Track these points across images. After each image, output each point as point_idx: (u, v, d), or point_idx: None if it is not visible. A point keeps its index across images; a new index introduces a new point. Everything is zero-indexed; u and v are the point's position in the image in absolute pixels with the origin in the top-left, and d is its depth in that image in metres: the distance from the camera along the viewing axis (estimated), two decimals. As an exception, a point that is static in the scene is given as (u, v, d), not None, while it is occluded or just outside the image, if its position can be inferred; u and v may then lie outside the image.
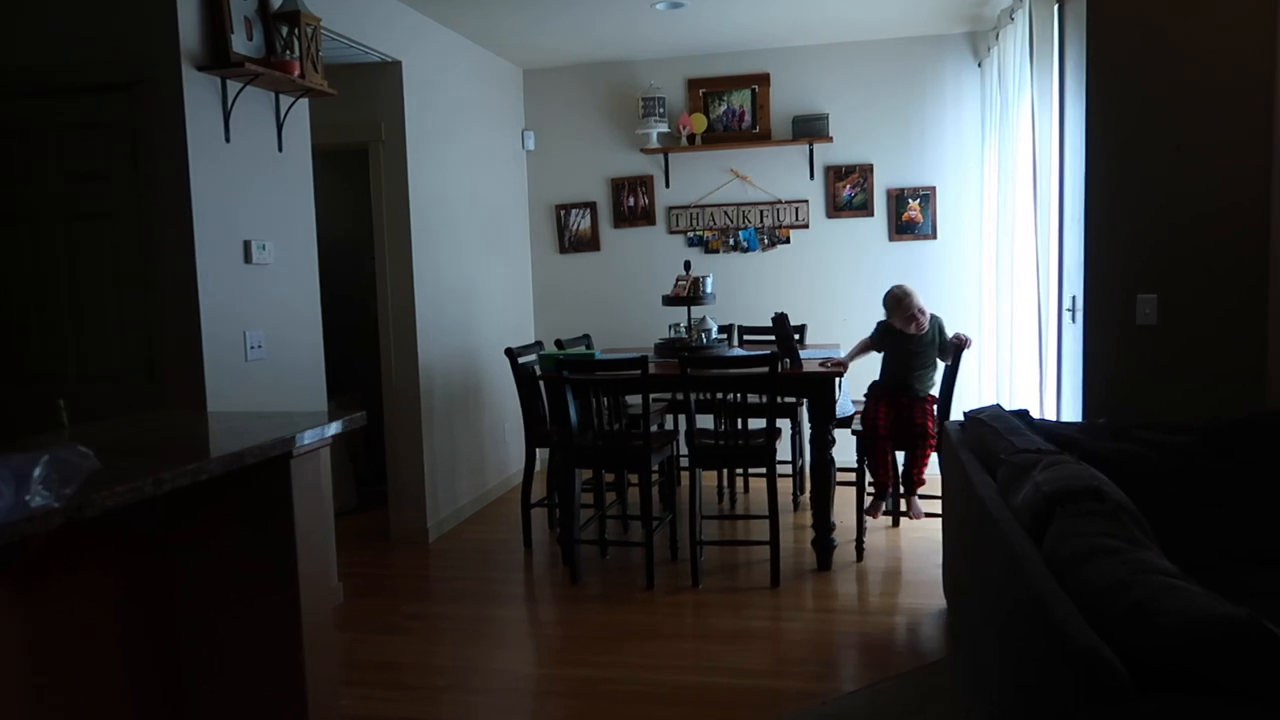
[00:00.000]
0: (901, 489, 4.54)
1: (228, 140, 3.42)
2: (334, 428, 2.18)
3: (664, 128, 6.09)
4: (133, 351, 3.35)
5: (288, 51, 3.56)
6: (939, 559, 4.40)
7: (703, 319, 4.89)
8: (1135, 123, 3.59)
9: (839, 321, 5.98)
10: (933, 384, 4.49)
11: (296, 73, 3.52)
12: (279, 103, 3.70)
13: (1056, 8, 4.02)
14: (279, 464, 2.00)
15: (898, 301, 4.44)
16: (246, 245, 3.52)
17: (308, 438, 2.02)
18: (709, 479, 5.80)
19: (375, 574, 4.52)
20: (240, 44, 3.39)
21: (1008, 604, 2.21)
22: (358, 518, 5.50)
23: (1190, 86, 3.54)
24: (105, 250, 3.34)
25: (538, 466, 5.64)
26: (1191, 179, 3.57)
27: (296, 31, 3.56)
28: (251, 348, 3.53)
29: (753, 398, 4.58)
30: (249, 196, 3.55)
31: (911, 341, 4.43)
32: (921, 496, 4.49)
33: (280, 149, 3.72)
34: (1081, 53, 3.67)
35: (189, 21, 3.24)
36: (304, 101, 3.85)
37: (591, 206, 6.41)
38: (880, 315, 4.60)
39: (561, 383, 4.17)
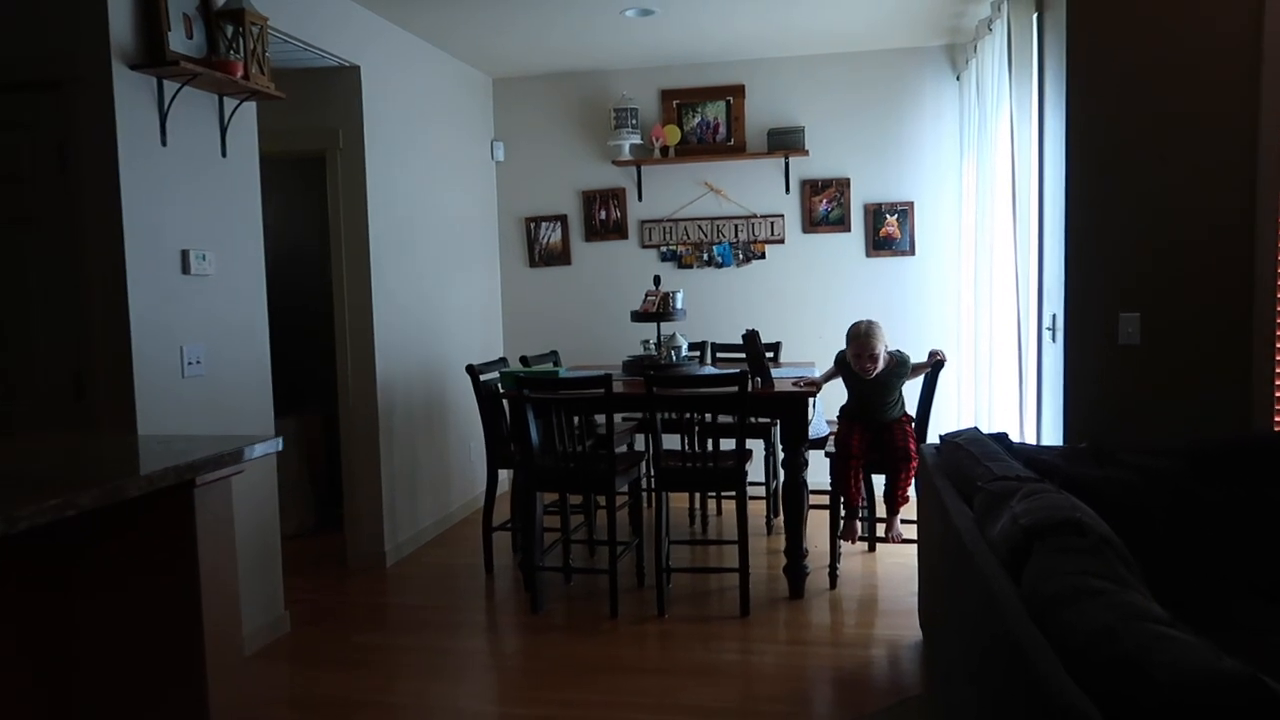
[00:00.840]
0: (883, 509, 4.36)
1: (164, 143, 3.23)
2: (258, 451, 1.99)
3: (637, 139, 5.93)
4: (58, 367, 3.14)
5: (232, 51, 3.38)
6: (915, 587, 4.23)
7: (672, 335, 4.72)
8: (1117, 135, 3.46)
9: (815, 339, 5.82)
10: (900, 409, 4.31)
11: (240, 74, 3.34)
12: (223, 106, 3.52)
13: (1035, 18, 3.90)
14: (181, 493, 1.81)
15: (855, 337, 4.16)
16: (184, 255, 3.32)
17: (210, 466, 1.83)
18: (680, 501, 5.61)
19: (327, 601, 4.30)
20: (178, 42, 3.21)
21: (984, 646, 2.04)
22: (314, 540, 5.28)
23: (1173, 99, 3.41)
24: (29, 258, 3.13)
25: (501, 488, 5.45)
26: (1175, 194, 3.44)
27: (241, 31, 3.38)
28: (189, 363, 3.33)
29: (724, 417, 4.41)
30: (188, 203, 3.35)
31: (867, 385, 4.24)
32: (903, 521, 4.31)
33: (224, 154, 3.54)
34: (1061, 64, 3.54)
35: (121, 17, 3.05)
36: (251, 105, 3.67)
37: (562, 219, 6.25)
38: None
39: (523, 401, 3.99)
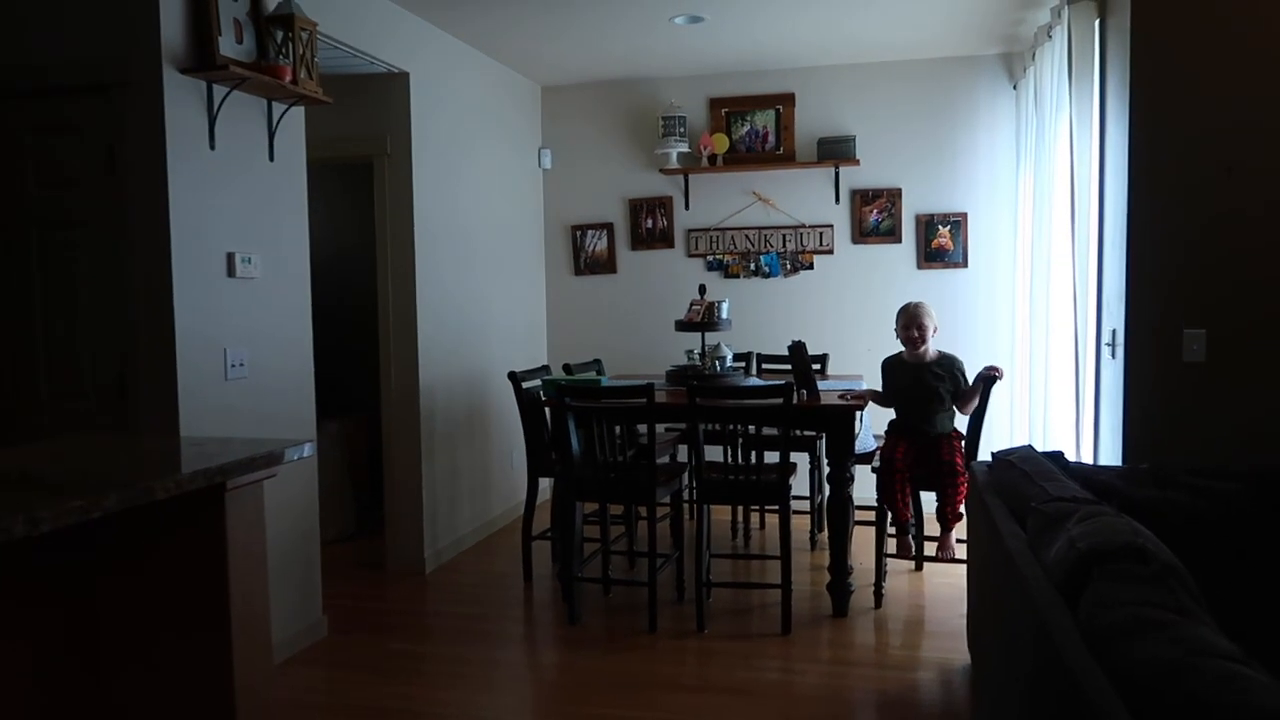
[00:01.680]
0: (933, 527, 4.24)
1: (213, 147, 3.25)
2: (290, 455, 1.96)
3: (684, 148, 5.88)
4: (103, 367, 3.17)
5: (281, 56, 3.39)
6: (964, 608, 4.10)
7: (717, 345, 4.65)
8: (1182, 144, 3.32)
9: (863, 352, 5.69)
10: (950, 424, 4.20)
11: (288, 78, 3.35)
12: (271, 110, 3.54)
13: (1098, 24, 3.78)
14: (212, 497, 1.79)
15: (904, 310, 4.23)
16: (230, 258, 3.34)
17: (241, 470, 1.80)
18: (722, 514, 5.53)
19: (365, 607, 4.29)
20: (228, 47, 3.23)
21: (1036, 675, 1.93)
22: (354, 545, 5.29)
23: (1242, 106, 3.27)
24: (79, 260, 3.16)
25: (542, 497, 5.42)
26: (1243, 205, 3.29)
27: (291, 36, 3.40)
28: (232, 365, 3.34)
29: (769, 430, 4.33)
30: (235, 207, 3.37)
31: (913, 375, 4.15)
32: (957, 540, 4.19)
33: (271, 158, 3.55)
34: (1124, 72, 3.42)
35: (173, 22, 3.08)
36: (299, 110, 3.68)
37: (608, 227, 6.21)
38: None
39: (564, 410, 3.95)
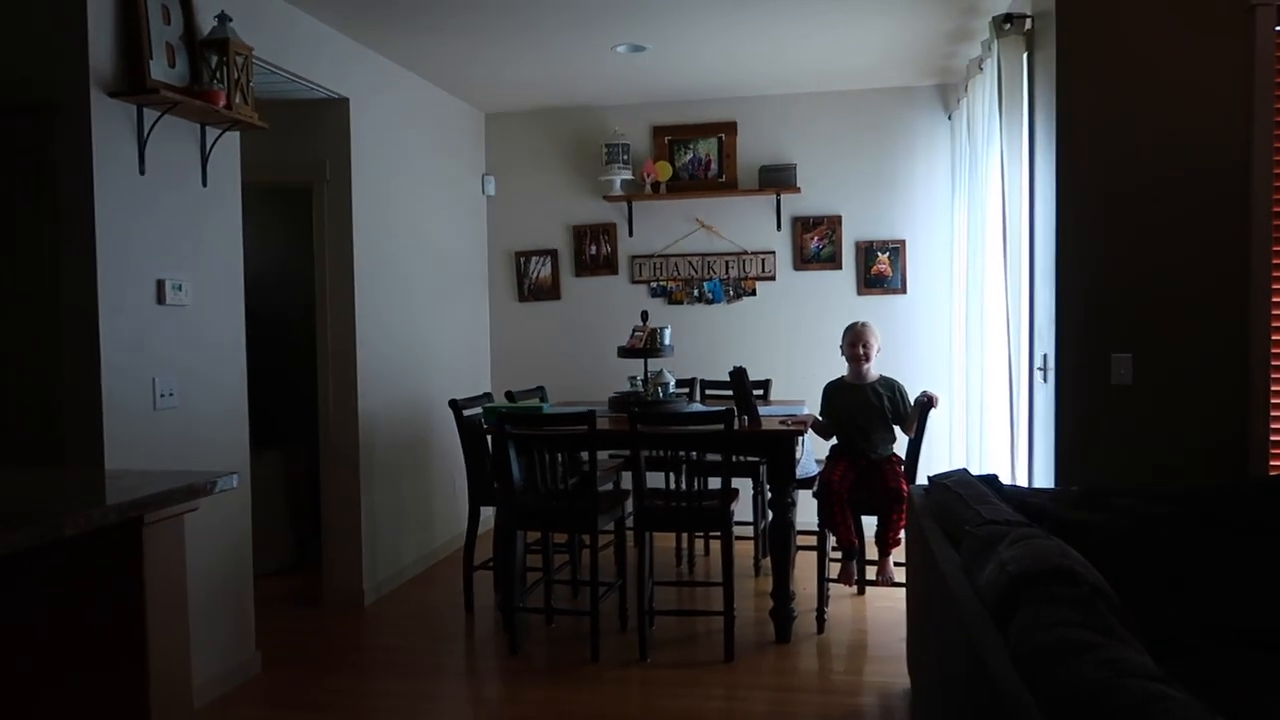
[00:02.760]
0: (874, 551, 4.27)
1: (142, 172, 3.18)
2: (215, 487, 1.90)
3: (628, 175, 5.91)
4: (28, 397, 3.06)
5: (215, 81, 3.34)
6: (904, 631, 4.13)
7: (660, 372, 4.66)
8: (1105, 173, 3.43)
9: (805, 377, 5.75)
10: (890, 449, 4.25)
11: (222, 103, 3.30)
12: (205, 135, 3.48)
13: (1025, 56, 3.89)
14: (128, 532, 1.72)
15: (849, 329, 4.33)
16: (160, 284, 3.26)
17: (159, 503, 1.74)
18: (667, 541, 5.51)
19: (301, 641, 4.18)
20: (160, 70, 3.17)
21: (969, 699, 1.95)
22: (292, 578, 5.16)
23: (1164, 141, 3.39)
24: (2, 285, 3.06)
25: (485, 526, 5.36)
26: (1167, 235, 3.40)
27: (226, 61, 3.35)
28: (161, 395, 3.25)
29: (713, 456, 4.34)
30: (165, 232, 3.30)
31: (855, 397, 4.20)
32: (896, 563, 4.22)
33: (205, 183, 3.49)
34: (1051, 104, 3.52)
35: (102, 44, 3.02)
36: (234, 135, 3.63)
37: (552, 254, 6.21)
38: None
39: (505, 437, 3.91)
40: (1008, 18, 3.86)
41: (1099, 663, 1.58)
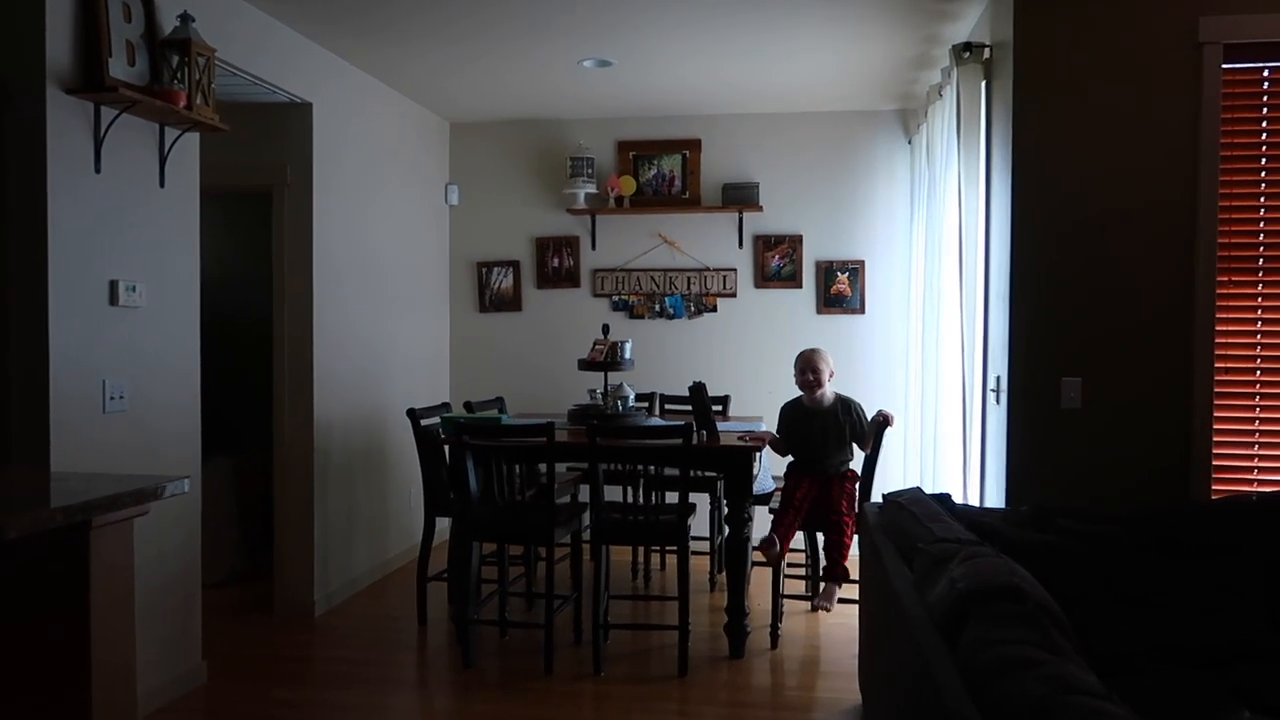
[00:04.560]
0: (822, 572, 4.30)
1: (98, 170, 3.13)
2: (163, 491, 1.87)
3: (592, 189, 5.93)
4: (-29, 397, 2.99)
5: (176, 81, 3.30)
6: (857, 648, 4.16)
7: (619, 385, 4.66)
8: (1059, 200, 3.51)
9: (765, 394, 5.79)
10: (849, 461, 4.28)
11: (182, 104, 3.26)
12: (164, 135, 3.43)
13: (984, 85, 3.97)
14: (73, 537, 1.69)
15: (800, 356, 4.33)
16: (113, 285, 3.20)
17: (106, 508, 1.70)
18: (624, 554, 5.51)
19: (248, 652, 4.11)
20: (119, 69, 3.13)
21: (918, 715, 1.97)
22: (241, 587, 5.08)
23: (1116, 172, 3.47)
24: (-54, 283, 2.99)
25: (441, 537, 5.32)
26: (1115, 259, 3.48)
27: (187, 61, 3.31)
28: (111, 398, 3.19)
29: (671, 470, 4.35)
30: (120, 233, 3.24)
31: (813, 423, 4.23)
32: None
33: (162, 184, 3.44)
34: (1008, 132, 3.60)
35: (60, 40, 2.97)
36: (193, 137, 3.59)
37: (514, 265, 6.20)
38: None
39: (463, 448, 3.89)
40: (967, 46, 3.94)
41: (1042, 679, 1.61)
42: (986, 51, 3.91)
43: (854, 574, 4.15)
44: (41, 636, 1.76)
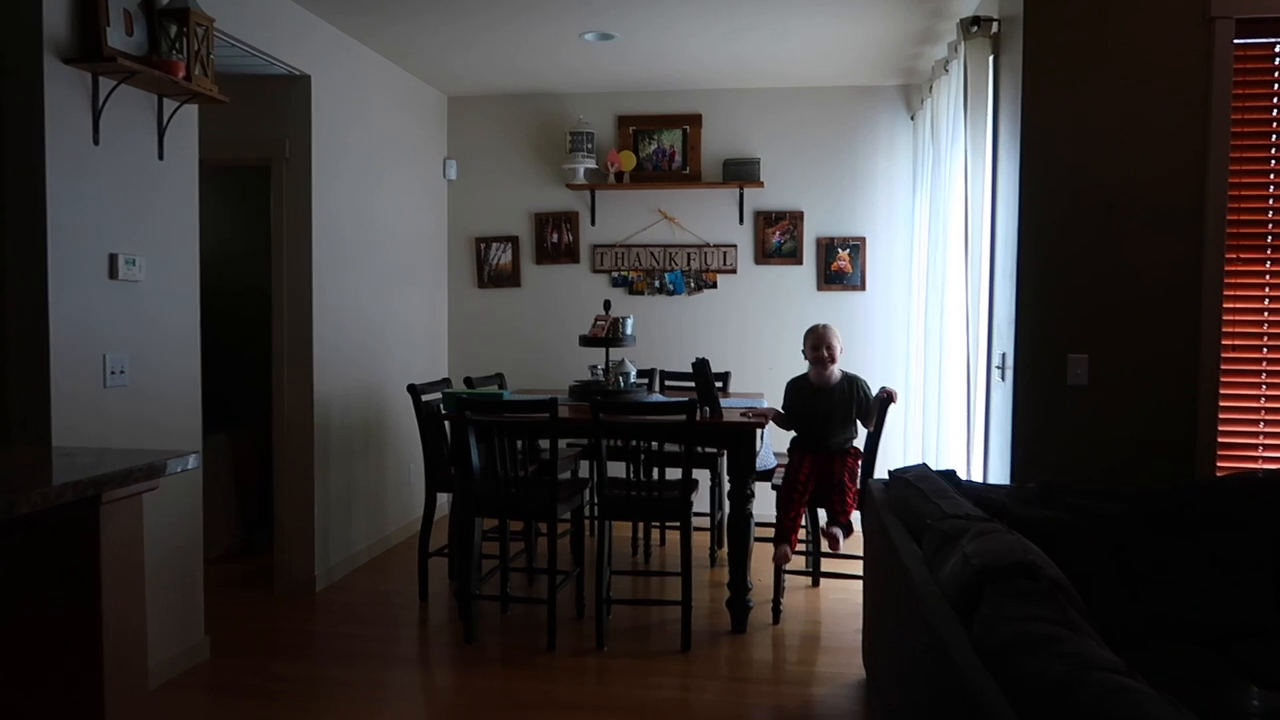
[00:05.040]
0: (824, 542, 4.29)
1: (96, 142, 3.08)
2: (171, 467, 1.85)
3: (592, 164, 5.88)
4: (-29, 372, 2.95)
5: (174, 52, 3.25)
6: (859, 623, 4.17)
7: (621, 361, 4.64)
8: (1068, 175, 3.48)
9: (764, 370, 5.80)
10: (852, 438, 4.28)
11: (181, 74, 3.21)
12: (162, 107, 3.38)
13: (991, 60, 3.93)
14: (84, 512, 1.67)
15: (812, 331, 4.28)
16: (113, 259, 3.16)
17: (117, 483, 1.68)
18: (623, 530, 5.51)
19: (250, 627, 4.11)
20: (117, 39, 3.07)
21: (933, 691, 1.97)
22: (241, 563, 5.07)
23: (1125, 147, 3.45)
24: (-56, 256, 2.95)
25: (440, 512, 5.31)
26: (1124, 240, 3.47)
27: (186, 31, 3.26)
28: (112, 372, 3.16)
29: (671, 446, 4.34)
30: (119, 206, 3.20)
31: (819, 401, 4.21)
32: (844, 556, 4.23)
33: (161, 157, 3.39)
34: (1016, 108, 3.57)
35: (57, 9, 2.91)
36: (192, 108, 3.54)
37: (513, 241, 6.16)
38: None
39: (464, 423, 3.87)
40: (975, 20, 3.90)
41: (1062, 655, 1.61)
42: (995, 26, 3.87)
43: (854, 544, 4.17)
44: (52, 611, 1.74)
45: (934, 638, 1.94)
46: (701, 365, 4.15)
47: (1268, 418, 3.46)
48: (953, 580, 2.12)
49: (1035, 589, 1.94)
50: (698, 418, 3.88)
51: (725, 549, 5.20)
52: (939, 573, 2.27)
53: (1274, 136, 3.43)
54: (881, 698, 2.88)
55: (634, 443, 4.39)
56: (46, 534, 1.71)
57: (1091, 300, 3.48)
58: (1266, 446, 3.46)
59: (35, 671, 1.75)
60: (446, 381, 4.81)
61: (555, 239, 6.11)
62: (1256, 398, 3.46)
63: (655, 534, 5.49)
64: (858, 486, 4.11)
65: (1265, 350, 3.45)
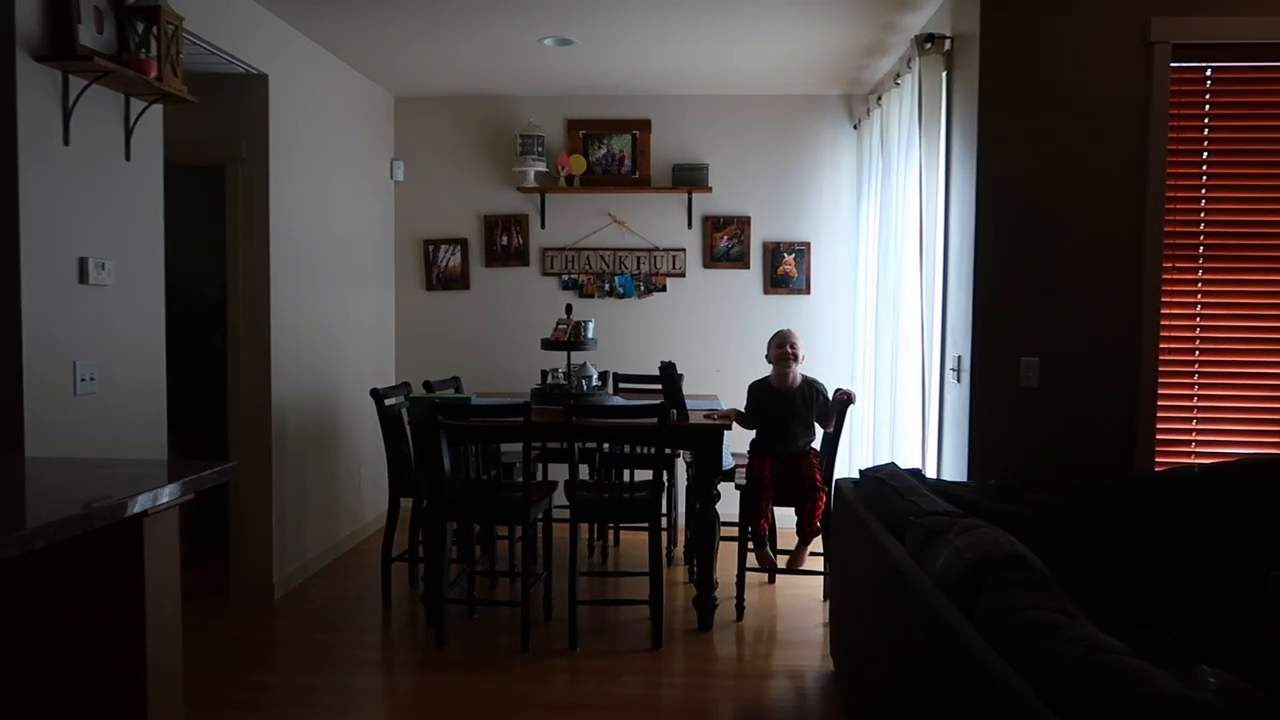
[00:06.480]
0: (787, 542, 4.43)
1: (67, 143, 3.00)
2: (212, 479, 1.84)
3: (542, 167, 5.91)
4: (-66, 380, 2.84)
5: (142, 50, 3.18)
6: (819, 618, 4.33)
7: (583, 365, 4.70)
8: (1021, 187, 3.68)
9: (713, 372, 5.92)
10: (809, 443, 4.43)
11: (153, 73, 3.15)
12: (129, 107, 3.30)
13: (945, 75, 4.12)
14: (128, 525, 1.65)
15: (777, 334, 4.46)
16: (83, 263, 3.08)
17: (164, 494, 1.68)
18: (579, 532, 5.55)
19: (208, 637, 4.03)
20: (88, 36, 3.00)
21: (939, 678, 2.09)
22: (191, 570, 4.94)
23: (1072, 158, 3.66)
24: (-94, 260, 2.84)
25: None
26: (1073, 250, 3.68)
27: (155, 30, 3.19)
28: (81, 380, 3.08)
29: (629, 448, 4.41)
30: (88, 208, 3.12)
31: (782, 406, 4.36)
32: (812, 553, 4.39)
33: (128, 157, 3.31)
34: (971, 121, 3.75)
35: (29, 6, 2.83)
36: (158, 108, 3.46)
37: (462, 243, 6.14)
38: (755, 371, 4.53)
39: (435, 428, 3.87)
40: (929, 37, 4.08)
41: (1073, 639, 1.74)
42: (948, 43, 4.05)
43: (818, 548, 4.32)
44: (94, 629, 1.71)
45: (941, 625, 2.06)
46: (668, 368, 4.24)
47: (1200, 415, 3.72)
48: (948, 573, 2.25)
49: (1030, 579, 2.08)
50: (666, 420, 3.96)
51: (680, 548, 5.32)
52: (929, 566, 2.40)
53: (1205, 154, 3.69)
54: (861, 686, 3.01)
55: (604, 446, 4.46)
56: (85, 553, 1.68)
57: (1042, 306, 3.69)
58: (1199, 443, 3.72)
59: (77, 687, 1.72)
60: (406, 386, 4.79)
61: (505, 241, 6.11)
62: (1190, 396, 3.71)
63: (610, 534, 5.56)
64: (827, 486, 4.27)
65: (1197, 353, 3.71)
